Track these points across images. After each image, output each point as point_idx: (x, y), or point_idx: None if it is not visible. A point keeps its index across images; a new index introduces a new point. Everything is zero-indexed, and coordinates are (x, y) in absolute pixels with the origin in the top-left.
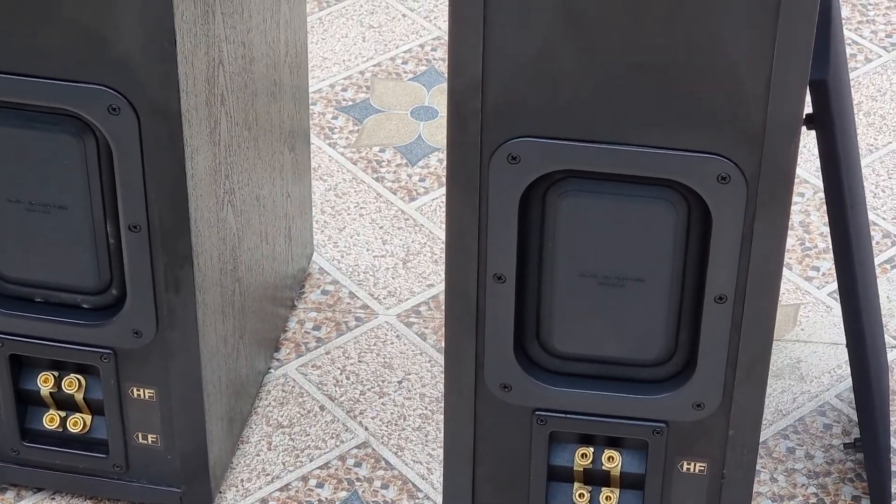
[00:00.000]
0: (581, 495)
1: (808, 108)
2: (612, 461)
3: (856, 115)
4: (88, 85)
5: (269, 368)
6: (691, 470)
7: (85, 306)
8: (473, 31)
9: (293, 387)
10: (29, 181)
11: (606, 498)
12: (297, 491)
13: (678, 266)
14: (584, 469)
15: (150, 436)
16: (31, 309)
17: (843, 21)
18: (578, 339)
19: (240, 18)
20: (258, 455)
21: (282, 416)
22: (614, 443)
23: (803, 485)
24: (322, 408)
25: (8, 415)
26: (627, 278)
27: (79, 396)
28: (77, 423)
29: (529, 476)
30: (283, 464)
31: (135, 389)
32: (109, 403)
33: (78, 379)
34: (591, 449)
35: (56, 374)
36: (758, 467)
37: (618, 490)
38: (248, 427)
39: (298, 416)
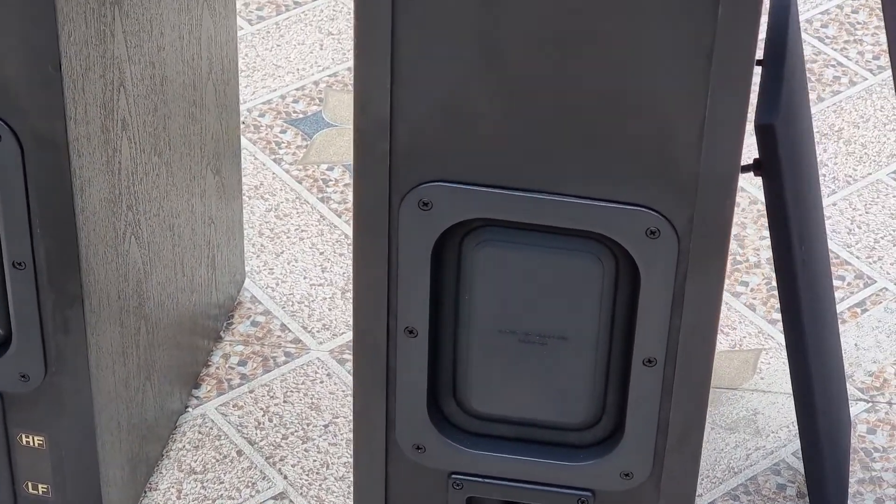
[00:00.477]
0: None
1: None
2: None
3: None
4: None
5: (187, 407)
6: None
7: None
8: (380, 64)
9: (210, 428)
10: None
11: None
12: None
13: (605, 324)
14: None
15: (40, 485)
16: None
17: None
18: (498, 398)
19: (147, 37)
20: None
21: (195, 461)
22: None
23: None
24: (240, 452)
25: None
26: (550, 336)
27: None
28: None
29: None
30: None
31: (23, 436)
32: None
33: None
34: None
35: None
36: None
37: None
38: (158, 472)
39: (214, 461)
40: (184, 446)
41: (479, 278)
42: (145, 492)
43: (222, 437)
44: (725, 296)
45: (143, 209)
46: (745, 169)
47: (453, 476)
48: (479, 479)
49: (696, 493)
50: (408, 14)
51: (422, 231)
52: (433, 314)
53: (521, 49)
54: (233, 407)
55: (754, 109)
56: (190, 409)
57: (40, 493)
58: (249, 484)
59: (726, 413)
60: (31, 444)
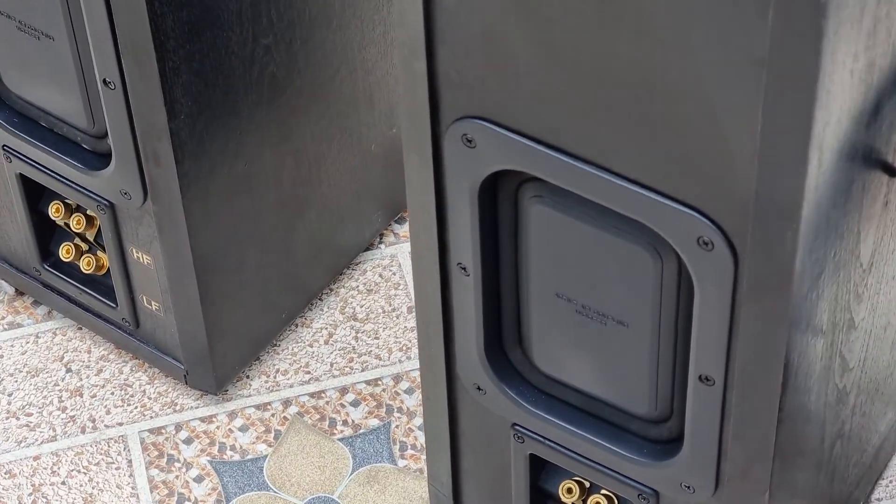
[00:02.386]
0: None
1: None
2: None
3: None
4: None
5: (380, 243)
6: None
7: (85, 147)
8: None
9: (394, 273)
10: None
11: None
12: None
13: (668, 323)
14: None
15: (153, 301)
16: (37, 133)
17: None
18: (558, 363)
19: None
20: (311, 347)
21: (360, 307)
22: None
23: None
24: (410, 310)
25: (26, 233)
26: (608, 317)
27: (89, 235)
28: (89, 263)
29: (512, 493)
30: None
31: (134, 250)
32: (113, 257)
33: (85, 217)
34: (577, 486)
35: (66, 204)
36: None
37: None
38: (317, 308)
39: (380, 311)
40: (357, 286)
41: (534, 235)
42: (294, 327)
43: (401, 288)
44: None
45: None
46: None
47: (515, 427)
48: (541, 439)
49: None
50: None
51: (467, 168)
52: (492, 255)
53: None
54: None
55: None
56: (382, 246)
57: (153, 308)
58: (404, 348)
59: None
60: (142, 261)
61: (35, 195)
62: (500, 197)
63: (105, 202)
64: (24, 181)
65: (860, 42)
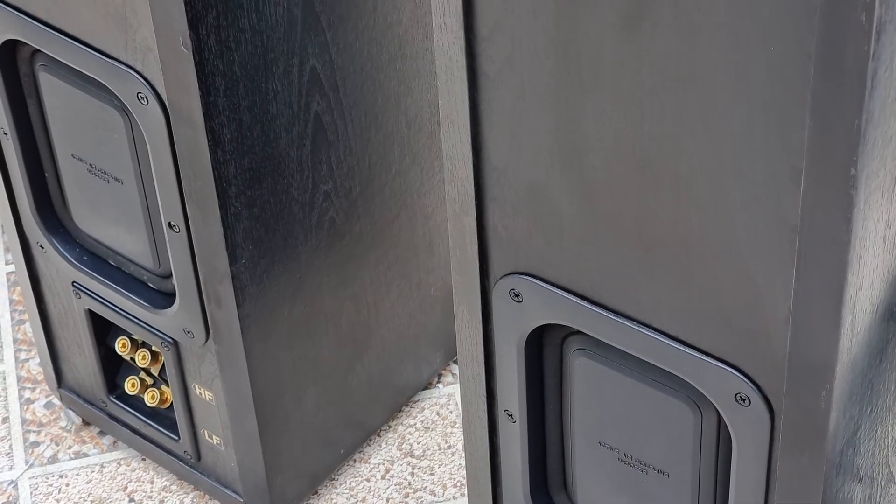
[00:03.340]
0: None
1: None
2: None
3: None
4: None
5: (438, 382)
6: None
7: (151, 286)
8: (462, 136)
9: (451, 412)
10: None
11: None
12: None
13: (708, 474)
14: None
15: (214, 436)
16: (105, 271)
17: None
18: None
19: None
20: (368, 482)
21: (418, 443)
22: None
23: None
24: None
25: (94, 366)
26: (649, 466)
27: (154, 370)
28: (154, 397)
29: None
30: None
31: (196, 387)
32: (176, 392)
33: (151, 353)
34: None
35: (133, 340)
36: None
37: None
38: (375, 444)
39: (436, 448)
40: (415, 424)
41: (578, 385)
42: (352, 462)
43: (457, 426)
44: None
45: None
46: None
47: None
48: None
49: None
50: (487, 91)
51: (514, 322)
52: (538, 403)
53: (601, 159)
54: None
55: None
56: (440, 386)
57: (215, 442)
58: (458, 485)
59: None
60: (203, 397)
61: (103, 330)
62: (545, 348)
63: (169, 339)
64: (93, 316)
65: (892, 209)
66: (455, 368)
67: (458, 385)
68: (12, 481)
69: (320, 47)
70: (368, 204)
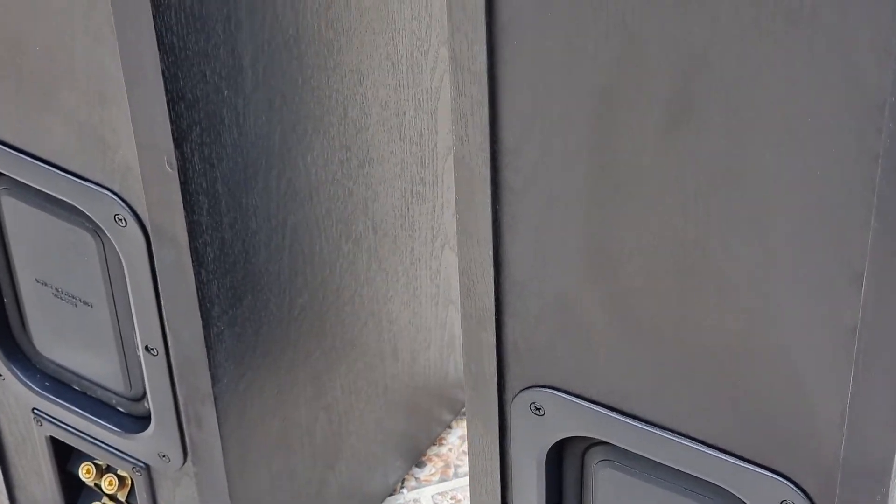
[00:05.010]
0: None
1: None
2: None
3: None
4: None
5: (402, 487)
6: None
7: (120, 409)
8: (483, 251)
9: None
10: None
11: None
12: None
13: None
14: None
15: None
16: (69, 396)
17: None
18: None
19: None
20: None
21: None
22: None
23: None
24: None
25: (54, 495)
26: None
27: (120, 496)
28: None
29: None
30: None
31: None
32: None
33: (117, 477)
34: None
35: (97, 465)
36: None
37: None
38: None
39: None
40: None
41: (601, 496)
42: None
43: None
44: None
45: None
46: None
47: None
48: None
49: None
50: (512, 205)
51: (535, 436)
52: None
53: (637, 267)
54: (450, 499)
55: None
56: (405, 491)
57: None
58: None
59: None
60: None
61: (64, 456)
62: (565, 460)
63: (141, 464)
64: (55, 443)
65: None
66: (418, 472)
67: (422, 489)
68: None
69: (296, 157)
70: (340, 313)
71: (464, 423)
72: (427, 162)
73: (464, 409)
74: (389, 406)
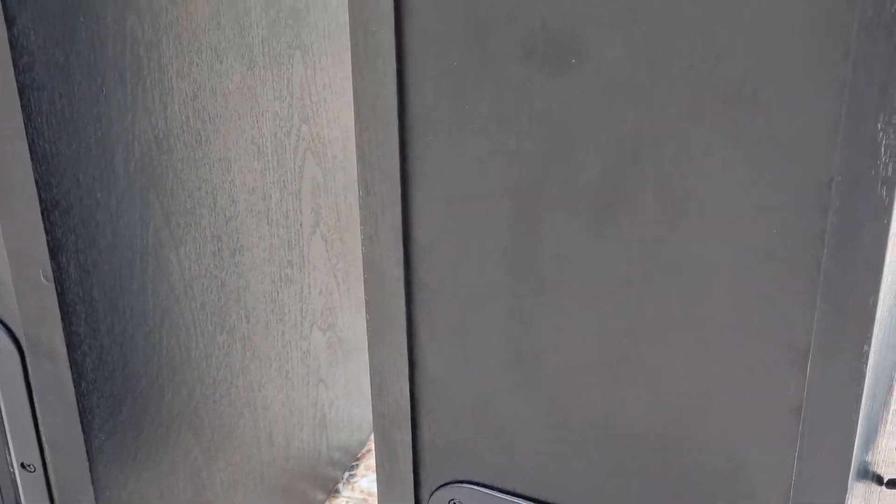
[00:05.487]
0: None
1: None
2: None
3: None
4: None
5: None
6: None
7: None
8: (396, 351)
9: None
10: None
11: None
12: None
13: None
14: None
15: None
16: None
17: None
18: None
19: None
20: None
21: None
22: None
23: None
24: None
25: None
26: None
27: None
28: None
29: None
30: None
31: None
32: None
33: None
34: None
35: None
36: None
37: None
38: None
39: None
40: None
41: None
42: None
43: None
44: None
45: (201, 393)
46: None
47: None
48: None
49: None
50: (427, 303)
51: None
52: None
53: (562, 360)
54: None
55: None
56: None
57: None
58: None
59: None
60: None
61: None
62: None
63: None
64: None
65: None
66: None
67: None
68: None
69: (169, 253)
70: (217, 406)
71: (336, 502)
72: (294, 244)
73: (335, 487)
74: (266, 493)
